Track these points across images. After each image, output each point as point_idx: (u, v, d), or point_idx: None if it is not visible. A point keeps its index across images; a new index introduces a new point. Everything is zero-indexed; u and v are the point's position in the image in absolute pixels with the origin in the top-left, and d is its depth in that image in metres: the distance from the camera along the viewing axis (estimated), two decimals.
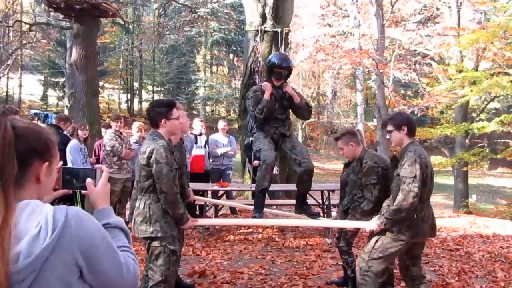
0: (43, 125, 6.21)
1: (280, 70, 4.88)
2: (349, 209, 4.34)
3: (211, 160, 8.27)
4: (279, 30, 8.95)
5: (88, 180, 1.67)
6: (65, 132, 6.55)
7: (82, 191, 1.70)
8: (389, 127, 3.72)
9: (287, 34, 9.33)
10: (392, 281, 4.14)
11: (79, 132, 6.42)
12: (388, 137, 3.84)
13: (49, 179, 1.44)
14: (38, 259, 1.21)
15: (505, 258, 5.94)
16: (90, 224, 1.35)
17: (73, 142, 6.36)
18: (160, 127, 3.59)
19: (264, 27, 9.05)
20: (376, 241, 3.62)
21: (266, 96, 4.83)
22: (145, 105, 32.65)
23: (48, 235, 1.24)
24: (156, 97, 32.22)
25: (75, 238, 1.29)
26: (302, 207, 5.01)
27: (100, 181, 1.68)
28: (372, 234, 3.80)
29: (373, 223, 3.60)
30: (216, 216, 7.14)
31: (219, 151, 8.06)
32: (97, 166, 1.77)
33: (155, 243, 3.46)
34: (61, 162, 1.74)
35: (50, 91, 30.40)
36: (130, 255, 1.51)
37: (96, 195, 1.65)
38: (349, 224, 4.15)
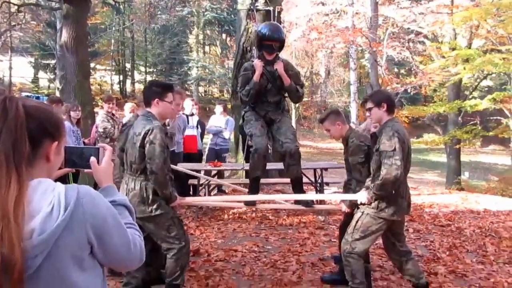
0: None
1: (270, 43, 4.53)
2: None
3: (208, 140, 8.40)
4: (271, 8, 8.87)
5: (92, 158, 1.68)
6: None
7: (86, 170, 1.72)
8: (369, 105, 3.74)
9: (279, 12, 9.25)
10: (368, 258, 4.18)
11: (71, 113, 6.39)
12: (368, 114, 3.87)
13: (58, 158, 1.47)
14: (51, 236, 1.24)
15: (495, 233, 6.03)
16: (100, 202, 1.39)
17: (65, 123, 6.33)
18: (152, 107, 3.56)
19: (256, 6, 8.96)
20: (357, 221, 3.66)
21: (256, 77, 4.50)
22: (138, 86, 32.44)
23: (60, 213, 1.27)
24: (148, 78, 31.95)
25: (87, 215, 1.32)
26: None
27: (103, 160, 1.70)
28: (348, 215, 3.97)
29: (363, 196, 3.62)
30: (209, 195, 7.18)
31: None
32: (100, 145, 1.78)
33: (162, 219, 3.49)
34: (65, 141, 1.76)
35: (41, 73, 30.08)
36: (136, 232, 1.55)
37: (100, 174, 1.67)
38: (340, 196, 4.17)
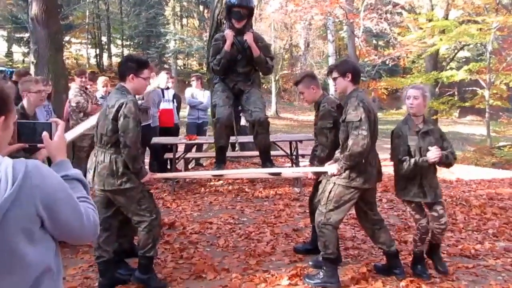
0: (8, 82, 6.01)
1: (238, 9, 4.55)
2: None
3: (187, 113, 8.33)
4: None
5: (44, 133, 1.68)
6: None
7: (38, 145, 1.70)
8: (334, 74, 3.76)
9: None
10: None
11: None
12: (333, 84, 3.89)
13: (6, 133, 1.47)
14: None
15: (466, 201, 6.17)
16: (50, 176, 1.39)
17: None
18: (126, 82, 3.54)
19: None
20: (330, 192, 3.70)
21: (226, 46, 4.54)
22: (115, 59, 31.87)
23: (8, 187, 1.27)
24: (126, 51, 31.42)
25: (36, 189, 1.32)
26: (266, 165, 4.92)
27: (56, 134, 1.69)
28: (316, 188, 4.13)
29: (333, 167, 3.66)
30: (186, 169, 7.18)
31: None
32: (52, 119, 1.76)
33: (132, 192, 3.49)
34: (16, 116, 1.73)
35: (15, 47, 29.35)
36: (90, 206, 1.55)
37: (53, 148, 1.67)
38: (309, 169, 4.21)
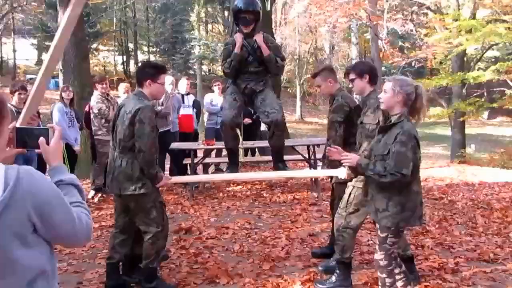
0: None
1: (244, 15, 4.63)
2: None
3: (206, 119, 8.37)
4: None
5: (41, 139, 1.72)
6: None
7: (36, 150, 1.76)
8: (352, 76, 3.74)
9: None
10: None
11: (63, 94, 6.44)
12: (350, 85, 3.86)
13: (0, 139, 1.50)
14: None
15: (487, 204, 6.04)
16: (42, 181, 1.42)
17: (58, 104, 6.39)
18: (144, 87, 3.62)
19: None
20: (349, 195, 3.67)
21: (236, 48, 4.64)
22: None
23: (0, 193, 1.31)
24: (152, 57, 31.90)
25: (28, 194, 1.36)
26: (277, 166, 4.96)
27: (52, 140, 1.74)
28: (335, 192, 3.99)
29: (342, 172, 3.62)
30: (206, 174, 7.25)
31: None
32: (49, 125, 1.81)
33: (144, 199, 3.54)
34: (14, 122, 1.80)
35: (45, 55, 30.07)
36: (83, 210, 1.58)
37: (48, 153, 1.71)
38: (316, 173, 4.20)
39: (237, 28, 4.89)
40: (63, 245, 1.58)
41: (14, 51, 28.44)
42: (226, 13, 30.08)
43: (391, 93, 3.03)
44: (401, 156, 2.89)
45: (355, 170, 3.17)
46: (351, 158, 3.11)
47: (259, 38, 4.70)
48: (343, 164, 3.24)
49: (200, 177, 6.27)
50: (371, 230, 4.99)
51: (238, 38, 4.69)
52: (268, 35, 5.01)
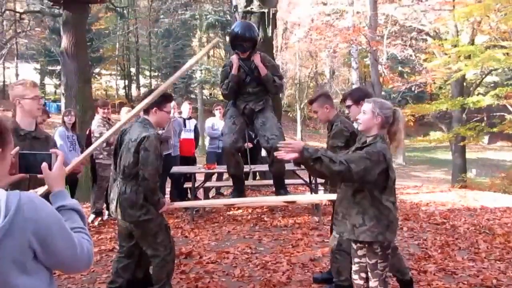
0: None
1: (241, 43, 4.64)
2: None
3: (207, 142, 8.38)
4: (265, 10, 8.90)
5: (44, 164, 1.73)
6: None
7: (38, 175, 1.76)
8: (348, 102, 3.78)
9: (274, 14, 9.25)
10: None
11: (65, 118, 6.46)
12: (347, 112, 3.89)
13: (3, 164, 1.52)
14: None
15: (489, 229, 6.00)
16: (43, 208, 1.42)
17: (60, 129, 6.42)
18: (150, 115, 3.64)
19: (251, 8, 8.99)
20: None
21: (233, 70, 4.66)
22: (143, 90, 32.62)
23: (1, 219, 1.31)
24: (153, 82, 32.17)
25: (28, 221, 1.35)
26: (279, 192, 4.93)
27: (55, 165, 1.74)
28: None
29: None
30: (206, 198, 7.23)
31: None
32: (52, 150, 1.82)
33: (150, 225, 3.54)
34: (17, 148, 1.81)
35: (47, 80, 30.40)
36: (85, 236, 1.58)
37: (51, 179, 1.72)
38: (318, 197, 4.20)
39: (232, 49, 4.92)
40: (63, 271, 1.57)
41: (17, 75, 28.70)
42: (227, 38, 30.45)
43: (370, 115, 3.01)
44: (357, 156, 2.87)
45: (301, 159, 2.80)
46: (293, 145, 2.81)
47: (256, 58, 4.73)
48: (288, 158, 2.89)
49: (202, 203, 6.26)
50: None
51: (235, 59, 4.72)
52: (265, 55, 5.03)
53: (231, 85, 4.68)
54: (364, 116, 3.04)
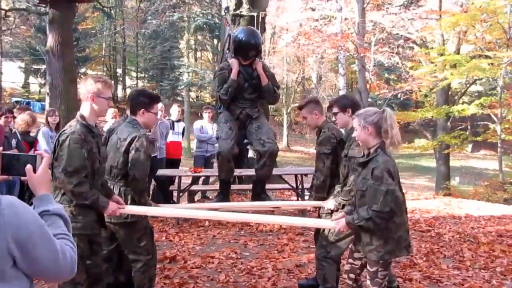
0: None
1: (246, 51, 4.61)
2: None
3: (195, 146, 8.34)
4: (255, 14, 8.88)
5: (28, 166, 1.66)
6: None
7: (22, 178, 1.70)
8: (335, 109, 3.78)
9: (263, 18, 9.24)
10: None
11: (49, 118, 6.38)
12: (334, 119, 3.88)
13: None
14: None
15: (474, 238, 6.03)
16: (24, 213, 1.36)
17: (43, 129, 6.32)
18: (137, 116, 3.59)
19: (240, 11, 8.96)
20: None
21: (233, 75, 4.61)
22: (129, 91, 32.37)
23: None
24: (140, 83, 31.96)
25: (9, 226, 1.30)
26: (260, 196, 4.87)
27: (40, 167, 1.68)
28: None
29: (330, 203, 3.63)
30: (191, 202, 7.16)
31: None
32: (37, 152, 1.76)
33: (135, 227, 3.49)
34: (1, 148, 1.74)
35: (32, 79, 30.02)
36: (68, 243, 1.52)
37: (35, 181, 1.65)
38: (304, 204, 4.18)
39: (232, 55, 4.87)
40: (44, 279, 1.50)
41: (1, 73, 28.24)
42: (215, 41, 30.41)
43: (360, 129, 3.04)
44: (379, 194, 2.86)
45: (352, 230, 3.13)
46: (342, 223, 3.08)
47: (259, 66, 4.70)
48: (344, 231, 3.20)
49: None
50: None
51: (235, 64, 4.67)
52: (265, 64, 5.05)
53: (230, 91, 4.62)
54: (356, 132, 3.09)
